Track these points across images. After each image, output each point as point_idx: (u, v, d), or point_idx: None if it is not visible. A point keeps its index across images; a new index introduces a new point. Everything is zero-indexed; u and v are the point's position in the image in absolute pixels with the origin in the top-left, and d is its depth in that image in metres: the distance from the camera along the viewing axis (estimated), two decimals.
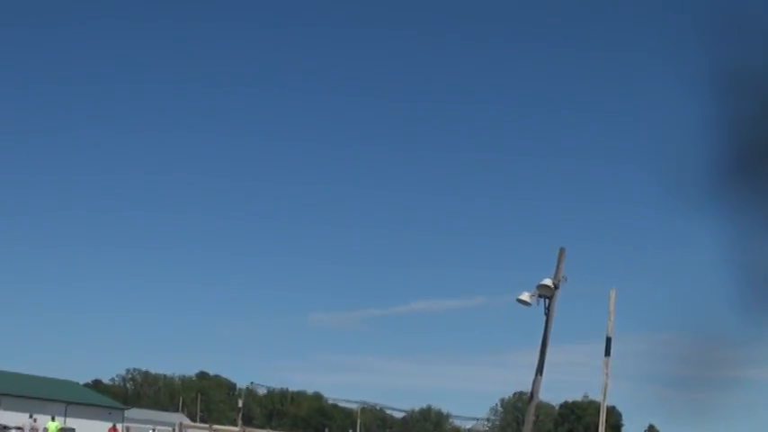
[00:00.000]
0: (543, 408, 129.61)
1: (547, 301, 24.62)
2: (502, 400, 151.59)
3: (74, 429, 75.93)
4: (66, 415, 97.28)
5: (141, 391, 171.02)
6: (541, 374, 25.10)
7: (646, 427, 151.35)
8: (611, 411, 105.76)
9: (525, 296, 24.44)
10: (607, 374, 35.53)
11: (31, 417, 55.95)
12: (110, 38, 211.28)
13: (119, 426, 67.22)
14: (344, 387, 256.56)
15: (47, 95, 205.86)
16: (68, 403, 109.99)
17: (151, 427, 62.82)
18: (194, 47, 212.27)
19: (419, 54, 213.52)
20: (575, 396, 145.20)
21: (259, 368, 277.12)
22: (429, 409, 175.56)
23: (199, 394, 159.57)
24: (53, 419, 53.45)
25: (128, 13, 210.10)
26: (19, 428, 53.45)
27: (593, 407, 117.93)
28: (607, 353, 35.23)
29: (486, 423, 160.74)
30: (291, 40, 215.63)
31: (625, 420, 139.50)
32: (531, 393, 26.00)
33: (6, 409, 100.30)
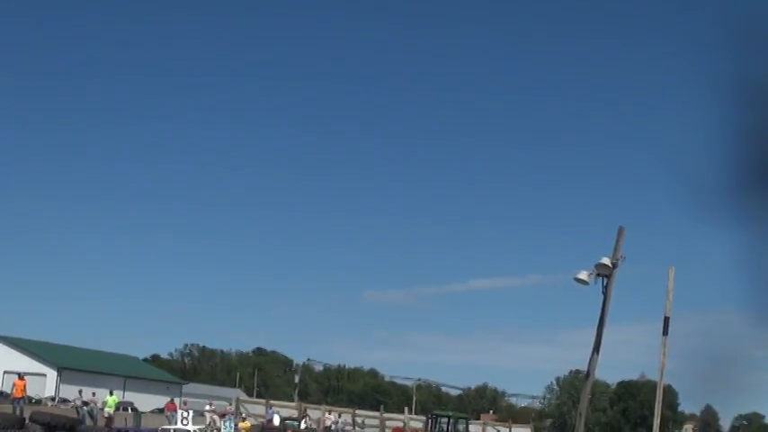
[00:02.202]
0: (599, 386, 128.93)
1: (605, 279, 24.50)
2: (558, 379, 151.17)
3: (132, 403, 76.67)
4: (124, 389, 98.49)
5: (199, 367, 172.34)
6: (598, 353, 25.00)
7: (702, 407, 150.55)
8: (668, 391, 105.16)
9: (583, 275, 24.33)
10: (664, 354, 35.31)
11: (80, 393, 56.60)
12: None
13: (176, 400, 67.70)
14: (401, 364, 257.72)
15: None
16: (127, 377, 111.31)
17: (208, 401, 63.18)
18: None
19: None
20: (631, 375, 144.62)
21: (315, 345, 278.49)
22: (485, 386, 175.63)
23: (256, 370, 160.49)
24: (111, 394, 53.93)
25: None
26: (85, 403, 54.06)
27: (649, 386, 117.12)
28: (665, 332, 35.00)
29: (541, 401, 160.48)
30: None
31: (681, 400, 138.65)
32: (588, 372, 25.91)
33: (66, 382, 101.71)
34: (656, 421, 37.19)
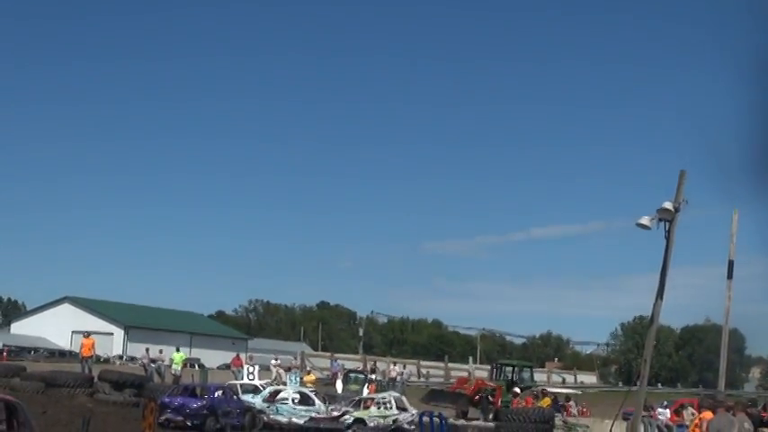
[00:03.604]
0: (664, 332, 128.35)
1: (667, 224, 24.23)
2: (622, 325, 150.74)
3: (199, 359, 77.59)
4: (191, 346, 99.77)
5: (263, 322, 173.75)
6: (662, 299, 24.76)
7: None
8: (734, 334, 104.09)
9: (645, 220, 24.09)
10: (729, 297, 35.01)
11: (147, 351, 57.28)
12: None
13: (242, 356, 68.28)
14: (464, 314, 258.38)
15: None
16: (193, 334, 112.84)
17: (274, 356, 63.64)
18: None
19: None
20: (696, 320, 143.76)
21: (379, 297, 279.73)
22: (549, 334, 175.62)
23: (320, 324, 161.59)
24: (178, 350, 54.48)
25: None
26: (152, 361, 54.67)
27: (714, 330, 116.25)
28: (729, 275, 34.70)
29: (606, 348, 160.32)
30: None
31: (748, 343, 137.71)
32: (652, 317, 25.68)
33: (133, 340, 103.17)
34: (723, 365, 36.95)
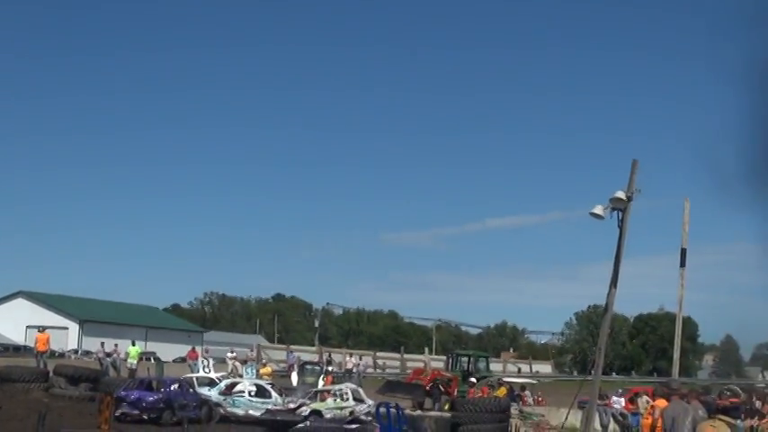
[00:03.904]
0: (618, 320, 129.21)
1: (620, 213, 24.43)
2: (576, 314, 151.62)
3: (154, 353, 77.24)
4: (146, 340, 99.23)
5: (219, 315, 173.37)
6: (616, 287, 24.98)
7: (722, 337, 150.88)
8: (687, 322, 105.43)
9: (598, 209, 24.27)
10: (683, 285, 35.44)
11: (102, 345, 57.05)
12: None
13: (198, 348, 68.24)
14: (420, 305, 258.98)
15: None
16: (148, 328, 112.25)
17: (230, 349, 63.60)
18: None
19: None
20: (650, 308, 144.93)
21: (334, 289, 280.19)
22: (504, 324, 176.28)
23: (276, 316, 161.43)
24: (133, 344, 54.34)
25: None
26: (108, 354, 54.49)
27: (668, 318, 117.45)
28: (682, 264, 35.10)
29: (561, 337, 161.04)
30: None
31: (701, 331, 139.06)
32: (606, 306, 25.90)
33: (88, 335, 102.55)
34: (676, 353, 37.42)
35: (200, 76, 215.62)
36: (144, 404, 34.12)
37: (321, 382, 47.92)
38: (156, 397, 34.83)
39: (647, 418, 23.54)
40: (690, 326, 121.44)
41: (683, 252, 34.88)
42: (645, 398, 39.01)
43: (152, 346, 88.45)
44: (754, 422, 18.68)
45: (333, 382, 47.90)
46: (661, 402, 20.50)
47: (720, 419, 12.33)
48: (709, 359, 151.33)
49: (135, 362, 52.01)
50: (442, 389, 46.32)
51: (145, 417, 33.71)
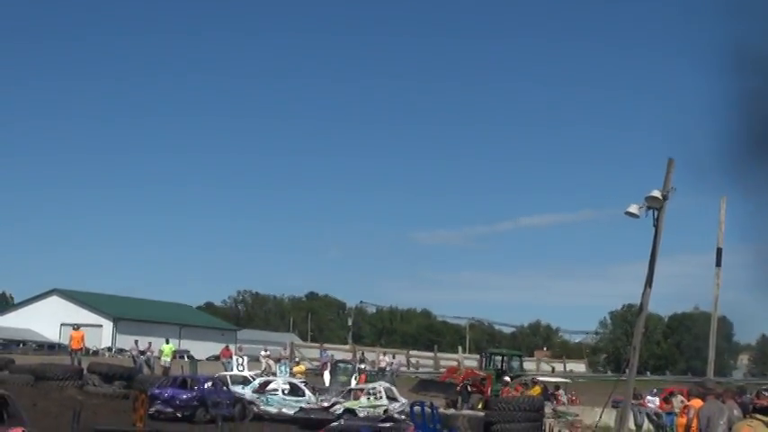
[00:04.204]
0: (652, 320, 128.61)
1: (655, 212, 24.28)
2: (611, 313, 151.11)
3: (188, 351, 77.57)
4: (180, 338, 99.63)
5: (252, 313, 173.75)
6: (651, 287, 24.81)
7: (758, 337, 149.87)
8: (722, 322, 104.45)
9: (633, 208, 24.12)
10: (718, 285, 35.06)
11: (136, 343, 57.23)
12: None
13: (231, 347, 68.29)
14: (453, 304, 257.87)
15: None
16: (182, 326, 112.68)
17: (263, 347, 63.71)
18: None
19: None
20: (685, 308, 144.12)
21: (368, 287, 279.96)
22: (538, 323, 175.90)
23: (309, 314, 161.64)
24: (167, 342, 54.51)
25: None
26: (142, 352, 54.67)
27: (703, 318, 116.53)
28: (718, 263, 34.75)
29: (595, 336, 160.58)
30: None
31: (737, 330, 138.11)
32: (641, 305, 25.74)
33: (122, 332, 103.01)
34: (711, 352, 37.04)
35: (224, 68, 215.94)
36: (178, 402, 34.23)
37: (354, 381, 47.93)
38: (189, 395, 34.94)
39: (682, 418, 23.32)
40: (725, 325, 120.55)
41: (719, 251, 34.54)
42: (679, 397, 38.86)
43: (185, 344, 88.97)
44: None
45: (366, 381, 47.88)
46: (696, 402, 20.33)
47: (758, 419, 12.23)
48: (744, 359, 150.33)
49: (169, 360, 52.17)
50: (471, 389, 46.21)
51: (178, 414, 33.82)
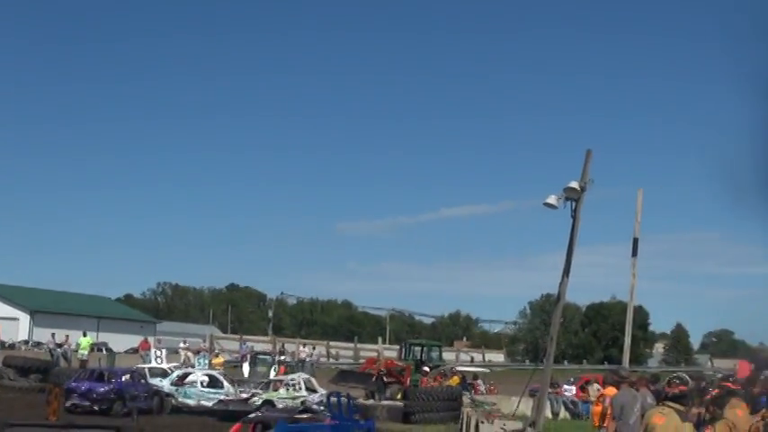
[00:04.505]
0: (570, 309, 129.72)
1: (573, 203, 24.54)
2: (530, 303, 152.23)
3: (106, 344, 76.82)
4: (98, 330, 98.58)
5: (172, 305, 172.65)
6: (568, 276, 25.08)
7: (673, 325, 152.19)
8: (639, 311, 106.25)
9: (552, 199, 24.34)
10: (634, 275, 35.56)
11: (53, 336, 56.61)
12: None
13: (150, 339, 67.93)
14: (374, 295, 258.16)
15: None
16: (100, 318, 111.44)
17: (182, 339, 63.42)
18: None
19: None
20: (602, 297, 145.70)
21: (288, 279, 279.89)
22: (458, 314, 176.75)
23: (229, 306, 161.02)
24: (85, 335, 54.03)
25: None
26: (59, 345, 54.09)
27: (620, 307, 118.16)
28: (634, 253, 35.23)
29: (514, 326, 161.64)
30: None
31: (652, 319, 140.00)
32: (558, 295, 26.00)
33: (39, 325, 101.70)
34: (627, 341, 37.60)
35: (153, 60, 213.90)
36: (94, 395, 33.98)
37: (273, 373, 47.93)
38: (106, 388, 34.69)
39: (598, 406, 23.68)
40: (641, 314, 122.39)
41: (636, 242, 35.03)
42: (595, 386, 39.36)
43: (104, 337, 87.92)
44: (701, 409, 18.79)
45: (286, 373, 47.92)
46: (610, 390, 20.60)
47: (669, 406, 12.42)
48: (659, 348, 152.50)
49: (86, 353, 51.70)
50: (388, 379, 46.46)
51: (95, 408, 33.57)
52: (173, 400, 37.37)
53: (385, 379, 46.40)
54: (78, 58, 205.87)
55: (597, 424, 23.06)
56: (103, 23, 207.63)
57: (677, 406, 12.44)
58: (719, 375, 47.42)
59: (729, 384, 15.35)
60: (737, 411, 14.14)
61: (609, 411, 19.04)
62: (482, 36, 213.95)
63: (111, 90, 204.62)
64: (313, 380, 41.24)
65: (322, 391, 37.54)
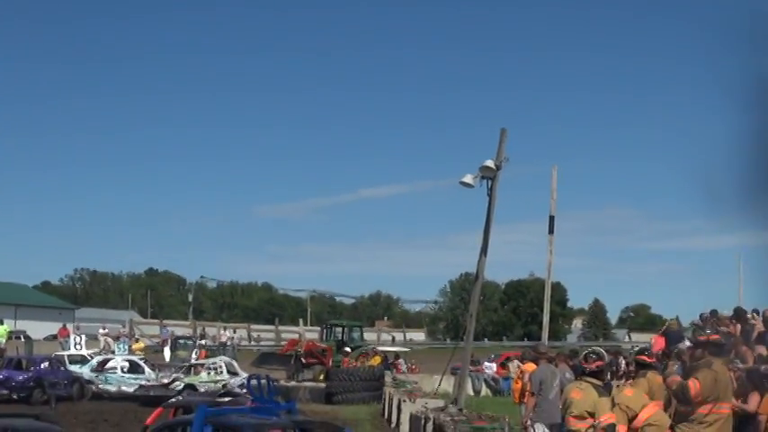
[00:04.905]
0: (489, 287, 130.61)
1: (489, 182, 24.75)
2: (450, 282, 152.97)
3: (24, 332, 75.84)
4: (15, 318, 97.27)
5: (90, 291, 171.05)
6: (486, 255, 25.34)
7: (591, 301, 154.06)
8: (557, 287, 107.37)
9: (468, 178, 24.53)
10: (551, 251, 36.07)
11: None
12: None
13: (69, 326, 67.23)
14: (294, 277, 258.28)
15: None
16: (18, 306, 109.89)
17: (102, 325, 62.94)
18: None
19: None
20: (521, 275, 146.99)
21: (208, 262, 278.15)
22: (378, 294, 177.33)
23: (148, 291, 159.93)
24: (2, 323, 53.33)
25: None
26: None
27: (538, 284, 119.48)
28: (551, 230, 35.71)
29: (434, 305, 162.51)
30: None
31: (570, 296, 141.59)
32: (477, 274, 26.28)
33: None
34: (546, 317, 38.15)
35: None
36: (13, 383, 33.68)
37: (194, 357, 47.82)
38: (25, 376, 34.41)
39: (518, 383, 23.99)
40: (559, 291, 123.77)
41: (552, 219, 35.49)
42: (515, 362, 39.79)
43: (21, 325, 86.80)
44: (620, 383, 19.15)
45: (207, 356, 47.85)
46: (529, 366, 20.89)
47: (587, 381, 12.62)
48: (578, 323, 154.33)
49: (3, 341, 51.07)
50: (307, 360, 46.69)
51: (14, 396, 33.29)
52: (93, 387, 37.15)
53: (303, 360, 46.58)
54: None
55: (518, 400, 23.37)
56: None
57: (595, 381, 12.66)
58: (636, 348, 48.33)
59: (645, 357, 15.60)
60: (656, 379, 14.47)
61: (528, 387, 19.34)
62: (399, 11, 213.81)
63: (23, 68, 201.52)
64: (234, 363, 41.28)
65: (244, 375, 37.53)
